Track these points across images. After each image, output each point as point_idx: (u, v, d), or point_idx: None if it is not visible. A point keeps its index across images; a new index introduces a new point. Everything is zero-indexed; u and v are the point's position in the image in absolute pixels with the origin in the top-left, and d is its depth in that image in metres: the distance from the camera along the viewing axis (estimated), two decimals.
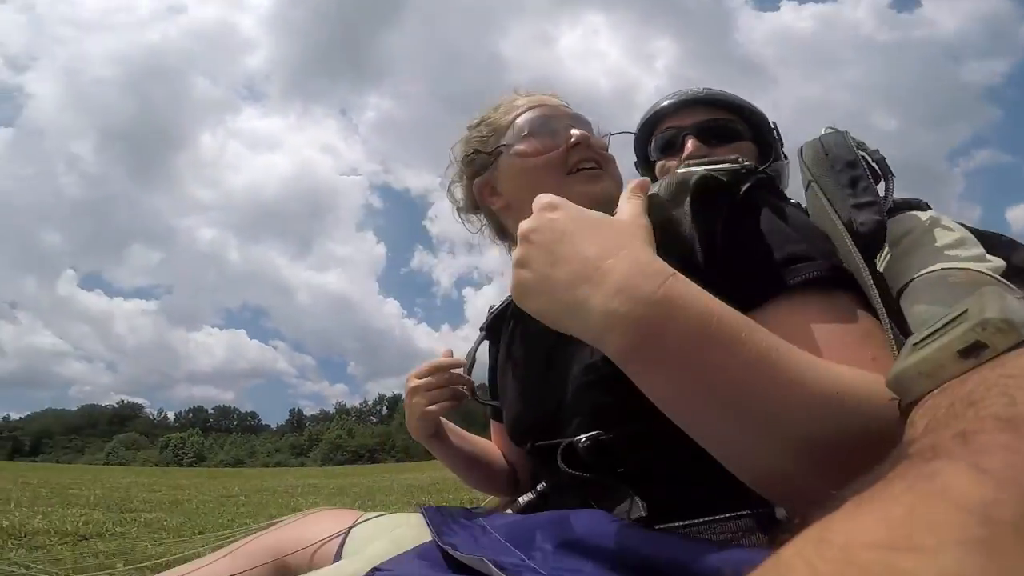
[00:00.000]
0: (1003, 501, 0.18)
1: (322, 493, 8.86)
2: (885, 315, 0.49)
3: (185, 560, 0.89)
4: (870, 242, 0.55)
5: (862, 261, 0.52)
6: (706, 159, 0.62)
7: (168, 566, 0.86)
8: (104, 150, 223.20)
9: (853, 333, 0.50)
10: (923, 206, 0.75)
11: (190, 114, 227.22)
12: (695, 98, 1.07)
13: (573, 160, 0.76)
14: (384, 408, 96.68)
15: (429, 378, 0.88)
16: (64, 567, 2.18)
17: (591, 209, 0.57)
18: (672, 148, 1.07)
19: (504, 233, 0.87)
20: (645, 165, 1.16)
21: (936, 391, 0.30)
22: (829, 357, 0.46)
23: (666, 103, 1.09)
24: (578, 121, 0.81)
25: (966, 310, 0.31)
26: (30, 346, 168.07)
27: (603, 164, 0.78)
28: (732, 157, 0.62)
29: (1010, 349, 0.28)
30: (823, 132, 0.73)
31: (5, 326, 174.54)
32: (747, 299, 0.51)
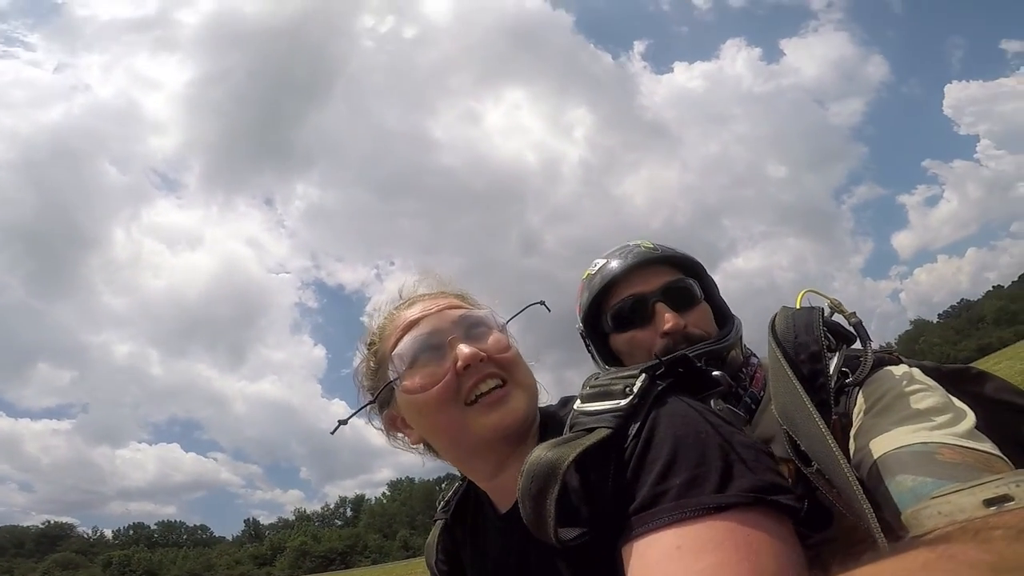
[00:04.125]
0: (1008, 569, 0.24)
1: None
2: (858, 489, 0.54)
3: None
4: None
5: (831, 439, 0.58)
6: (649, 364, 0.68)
7: None
8: None
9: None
10: (895, 360, 0.75)
11: (99, 206, 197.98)
12: (652, 257, 0.97)
13: (467, 386, 0.72)
14: (348, 510, 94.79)
15: None
16: None
17: (502, 440, 0.65)
18: (641, 319, 0.96)
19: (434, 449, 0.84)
20: (596, 336, 1.04)
21: (944, 527, 0.38)
22: None
23: (615, 265, 0.98)
24: (464, 326, 0.75)
25: (1000, 476, 0.42)
26: None
27: (505, 373, 0.73)
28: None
29: None
30: (796, 306, 0.75)
31: None
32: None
